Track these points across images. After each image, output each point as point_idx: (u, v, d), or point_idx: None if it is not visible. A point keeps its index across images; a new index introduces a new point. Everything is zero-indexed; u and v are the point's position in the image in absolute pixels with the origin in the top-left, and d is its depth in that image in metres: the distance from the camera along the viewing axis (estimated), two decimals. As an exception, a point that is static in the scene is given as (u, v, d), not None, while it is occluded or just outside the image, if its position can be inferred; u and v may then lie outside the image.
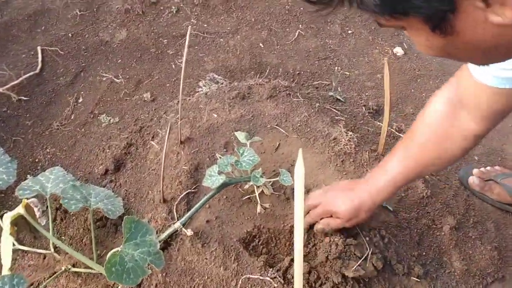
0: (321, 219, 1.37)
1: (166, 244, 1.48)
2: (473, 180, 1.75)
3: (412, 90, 2.14)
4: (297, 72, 2.19)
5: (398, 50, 2.30)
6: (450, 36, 0.66)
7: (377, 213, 1.48)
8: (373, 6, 0.63)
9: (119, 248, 1.36)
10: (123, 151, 1.87)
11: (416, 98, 2.11)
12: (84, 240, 1.66)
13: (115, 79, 2.20)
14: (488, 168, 1.81)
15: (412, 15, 0.65)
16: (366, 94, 2.11)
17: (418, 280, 1.41)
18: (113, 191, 1.74)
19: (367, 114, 1.93)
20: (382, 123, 1.86)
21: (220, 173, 1.45)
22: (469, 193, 1.74)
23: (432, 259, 1.48)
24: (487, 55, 0.73)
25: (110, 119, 2.05)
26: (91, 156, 1.91)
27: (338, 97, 1.98)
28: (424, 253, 1.48)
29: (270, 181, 1.51)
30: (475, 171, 1.79)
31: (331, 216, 1.36)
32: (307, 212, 1.40)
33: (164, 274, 1.41)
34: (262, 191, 1.53)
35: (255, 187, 1.48)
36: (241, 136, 1.52)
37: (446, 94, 1.22)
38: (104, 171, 1.82)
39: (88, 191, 1.61)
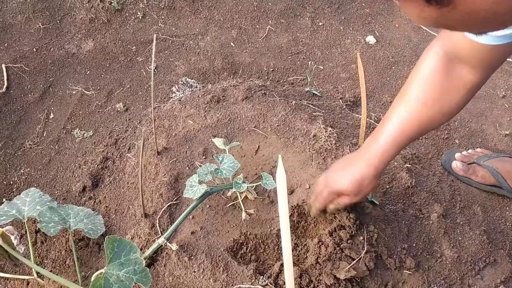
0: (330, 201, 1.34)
1: (152, 260, 1.44)
2: (456, 164, 1.74)
3: (388, 78, 2.12)
4: (271, 69, 2.16)
5: (370, 39, 2.28)
6: (445, 7, 0.63)
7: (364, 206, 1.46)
8: None
9: (103, 270, 1.32)
10: (100, 166, 1.82)
11: (392, 86, 2.09)
12: (67, 262, 1.61)
13: (85, 91, 2.13)
14: (470, 151, 1.81)
15: None
16: (342, 86, 2.08)
17: (411, 272, 1.39)
18: (93, 209, 1.69)
19: (344, 106, 1.91)
20: (360, 115, 1.84)
21: (200, 182, 1.41)
22: (454, 178, 1.74)
23: (422, 249, 1.46)
24: (484, 24, 0.70)
25: (84, 133, 2.00)
26: (67, 173, 1.86)
27: (314, 92, 1.96)
28: (414, 244, 1.46)
29: (252, 186, 1.48)
30: (457, 155, 1.78)
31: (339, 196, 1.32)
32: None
33: (152, 292, 1.37)
34: (246, 196, 1.49)
35: (238, 193, 1.44)
36: (219, 142, 1.48)
37: (438, 50, 1.18)
38: (81, 188, 1.77)
39: (66, 211, 1.56)
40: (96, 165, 1.82)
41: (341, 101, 1.93)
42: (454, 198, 1.65)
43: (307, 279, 1.31)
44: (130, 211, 1.60)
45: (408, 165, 1.62)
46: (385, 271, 1.38)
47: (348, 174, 1.28)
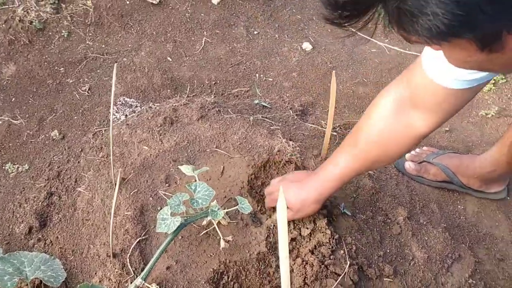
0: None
1: (127, 302, 1.35)
2: (409, 165, 1.81)
3: (329, 84, 2.15)
4: (213, 82, 2.11)
5: (307, 46, 2.30)
6: (495, 53, 0.64)
7: (338, 220, 1.47)
8: (434, 32, 0.59)
9: (78, 323, 1.21)
10: (45, 203, 1.66)
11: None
12: (23, 314, 1.45)
13: (13, 121, 1.94)
14: (418, 150, 1.88)
15: (466, 37, 0.61)
16: (287, 95, 2.08)
17: (391, 279, 1.42)
18: (45, 251, 1.55)
19: (295, 117, 1.91)
20: (312, 124, 1.85)
21: (173, 214, 1.33)
22: (408, 178, 1.80)
23: (396, 254, 1.50)
24: None
25: (18, 167, 1.82)
26: (6, 214, 1.67)
27: (264, 104, 1.94)
28: (388, 251, 1.49)
29: (229, 211, 1.43)
30: (407, 156, 1.85)
31: None
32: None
33: (134, 337, 1.28)
34: (219, 222, 1.44)
35: (213, 220, 1.38)
36: (187, 169, 1.41)
37: (394, 92, 1.22)
38: (27, 229, 1.61)
39: (19, 259, 1.42)
40: (40, 202, 1.66)
41: (291, 111, 1.93)
42: (413, 199, 1.71)
43: (297, 302, 1.29)
44: (91, 251, 1.48)
45: (369, 172, 1.65)
46: (367, 282, 1.39)
47: (295, 190, 1.36)
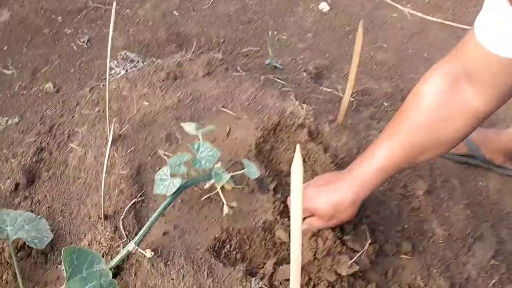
0: (304, 218, 1.19)
1: (118, 269, 1.22)
2: (430, 137, 1.67)
3: (347, 48, 2.00)
4: (222, 40, 1.95)
5: (324, 6, 2.13)
6: None
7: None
8: None
9: (62, 288, 1.09)
10: (34, 159, 1.53)
11: (352, 56, 1.96)
12: (4, 277, 1.33)
13: (4, 71, 1.81)
14: (440, 122, 1.74)
15: None
16: (301, 57, 1.93)
17: (409, 257, 1.29)
18: (31, 210, 1.42)
19: (310, 80, 1.76)
20: (327, 88, 1.71)
21: (173, 175, 1.20)
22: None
23: (414, 230, 1.37)
24: None
25: (7, 120, 1.68)
26: (-9, 169, 1.55)
27: (276, 65, 1.78)
28: (406, 226, 1.37)
29: (235, 175, 1.29)
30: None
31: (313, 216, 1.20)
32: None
33: (124, 307, 1.16)
34: (223, 187, 1.30)
35: (216, 184, 1.25)
36: (190, 127, 1.27)
37: (446, 67, 1.03)
38: (13, 186, 1.47)
39: (1, 217, 1.29)
40: (28, 158, 1.53)
41: (305, 74, 1.78)
42: (433, 172, 1.57)
43: (306, 277, 1.17)
44: (81, 211, 1.36)
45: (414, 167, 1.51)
46: (384, 259, 1.27)
47: (325, 194, 1.15)
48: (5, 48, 1.84)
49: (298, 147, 0.83)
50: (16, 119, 1.69)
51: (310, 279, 1.17)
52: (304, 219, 1.22)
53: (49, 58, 1.86)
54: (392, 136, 1.09)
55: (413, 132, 1.06)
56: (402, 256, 1.30)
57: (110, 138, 1.07)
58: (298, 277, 0.98)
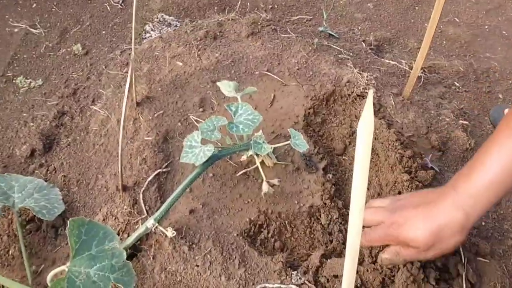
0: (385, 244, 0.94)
1: (135, 250, 1.03)
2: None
3: (412, 21, 1.75)
4: (270, 6, 1.74)
5: (387, -26, 1.89)
6: None
7: (420, 176, 1.09)
8: None
9: (65, 267, 0.90)
10: (54, 123, 1.37)
11: (418, 30, 1.73)
12: (11, 252, 1.16)
13: (31, 30, 1.65)
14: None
15: None
16: (359, 28, 1.69)
17: (487, 260, 1.04)
18: (45, 179, 1.25)
19: (369, 50, 1.52)
20: (389, 60, 1.47)
21: (204, 142, 1.00)
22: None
23: (492, 229, 1.12)
24: None
25: (31, 82, 1.53)
26: (8, 133, 1.39)
27: (331, 33, 1.55)
28: (483, 223, 1.12)
29: (277, 147, 1.08)
30: (507, 111, 1.44)
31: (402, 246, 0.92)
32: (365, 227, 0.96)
33: (138, 296, 0.97)
34: (263, 162, 1.09)
35: (255, 157, 1.04)
36: (227, 86, 1.07)
37: None
38: (29, 152, 1.31)
39: (9, 183, 1.13)
40: (48, 122, 1.37)
41: (364, 44, 1.54)
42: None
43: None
44: (99, 182, 1.17)
45: (462, 122, 1.26)
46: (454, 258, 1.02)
47: (423, 218, 0.87)
48: (33, 6, 1.70)
49: (371, 92, 0.60)
50: (40, 81, 1.53)
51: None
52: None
53: (80, 18, 1.70)
54: (506, 139, 0.83)
55: None
56: (479, 259, 1.05)
57: (125, 97, 0.87)
58: (353, 275, 0.75)
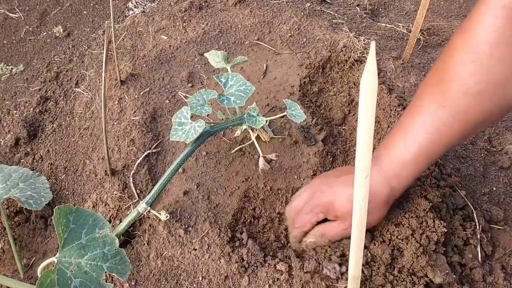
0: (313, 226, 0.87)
1: (128, 237, 0.97)
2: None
3: (408, -17, 1.67)
4: (257, -25, 1.65)
5: None
6: None
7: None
8: None
9: (54, 258, 0.84)
10: (37, 110, 1.30)
11: (414, -8, 1.64)
12: (0, 245, 1.11)
13: (10, 14, 1.58)
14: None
15: None
16: (353, -8, 1.61)
17: (500, 227, 0.99)
18: (32, 168, 1.19)
19: (364, 15, 1.45)
20: (385, 24, 1.39)
21: (194, 118, 0.93)
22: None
23: (505, 194, 1.06)
24: None
25: (12, 68, 1.46)
26: (-9, 122, 1.32)
27: (323, -2, 1.48)
28: (494, 188, 1.06)
29: (267, 120, 1.01)
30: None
31: (325, 220, 0.85)
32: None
33: (133, 284, 0.91)
34: (259, 137, 1.03)
35: (250, 132, 0.98)
36: (215, 57, 0.99)
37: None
38: (14, 141, 1.25)
39: (-7, 173, 1.07)
40: (32, 109, 1.30)
41: (358, 8, 1.46)
42: (523, 124, 1.25)
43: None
44: (87, 167, 1.11)
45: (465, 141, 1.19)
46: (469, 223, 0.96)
47: (346, 189, 0.79)
48: (10, -12, 1.61)
49: (373, 43, 0.54)
50: (21, 67, 1.46)
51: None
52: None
53: (59, 0, 1.62)
54: (436, 98, 0.73)
55: (470, 95, 0.70)
56: (491, 225, 0.99)
57: (103, 75, 0.80)
58: (360, 247, 0.70)
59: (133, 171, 1.01)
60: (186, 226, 0.94)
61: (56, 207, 0.86)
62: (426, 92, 0.76)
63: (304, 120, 0.96)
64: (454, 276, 0.86)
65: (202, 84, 1.12)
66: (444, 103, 0.72)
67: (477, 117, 0.71)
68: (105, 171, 1.05)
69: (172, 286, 0.90)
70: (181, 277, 0.91)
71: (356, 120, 1.09)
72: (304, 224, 0.87)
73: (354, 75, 1.12)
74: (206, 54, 1.00)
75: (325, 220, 0.85)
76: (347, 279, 0.75)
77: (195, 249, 0.91)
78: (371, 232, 0.87)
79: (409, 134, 0.76)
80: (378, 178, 0.78)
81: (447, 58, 0.72)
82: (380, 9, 1.56)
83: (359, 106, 0.55)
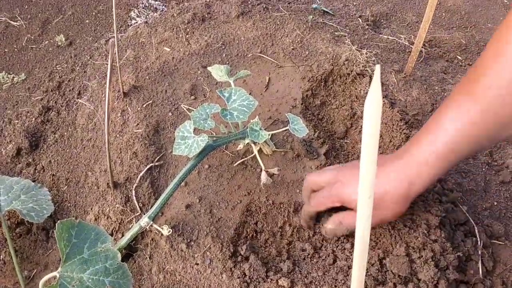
0: (330, 212, 0.89)
1: (130, 251, 0.97)
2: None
3: (409, -6, 1.68)
4: (259, -15, 1.66)
5: None
6: None
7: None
8: None
9: (56, 273, 0.84)
10: (39, 120, 1.30)
11: (415, 3, 1.65)
12: (1, 257, 1.11)
13: (11, 22, 1.57)
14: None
15: None
16: (354, 3, 1.62)
17: (502, 242, 0.99)
18: (33, 180, 1.19)
19: (366, 26, 1.45)
20: (387, 36, 1.40)
21: (198, 132, 0.93)
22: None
23: (506, 209, 1.06)
24: None
25: (13, 77, 1.46)
26: (-8, 132, 1.32)
27: (325, 9, 1.48)
28: (495, 203, 1.06)
29: (270, 134, 1.02)
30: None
31: (344, 209, 0.86)
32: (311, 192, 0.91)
33: (135, 299, 0.91)
34: (261, 150, 1.03)
35: (252, 146, 0.98)
36: (218, 71, 1.00)
37: None
38: (15, 151, 1.25)
39: (-6, 185, 1.07)
40: (33, 119, 1.30)
41: (360, 20, 1.47)
42: (525, 138, 1.25)
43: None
44: (89, 179, 1.11)
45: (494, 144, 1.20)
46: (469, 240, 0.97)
47: None
48: (12, -4, 1.61)
49: (378, 67, 0.54)
50: (23, 76, 1.46)
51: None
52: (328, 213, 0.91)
53: (61, 8, 1.62)
54: (466, 102, 0.72)
55: (499, 91, 0.69)
56: (493, 241, 0.99)
57: (107, 88, 0.80)
58: (363, 266, 0.70)
59: (135, 184, 1.01)
60: (188, 240, 0.94)
61: (58, 222, 0.86)
62: (458, 89, 0.76)
63: (306, 134, 0.96)
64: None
65: (205, 97, 1.12)
66: (468, 107, 0.72)
67: (506, 116, 0.70)
68: (107, 183, 1.05)
69: (174, 301, 0.90)
70: (184, 292, 0.91)
71: (359, 133, 1.09)
72: (319, 206, 0.88)
73: (356, 89, 1.12)
74: (209, 68, 1.00)
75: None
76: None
77: (197, 264, 0.92)
78: None
79: (437, 131, 0.75)
80: (398, 175, 0.78)
81: (478, 67, 0.73)
82: (382, 20, 1.56)
83: (362, 132, 0.55)
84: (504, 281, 0.95)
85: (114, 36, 1.49)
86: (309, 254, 0.93)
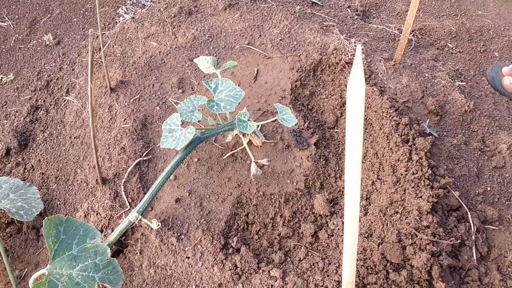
0: None
1: (120, 246, 0.96)
2: (509, 80, 1.33)
3: (398, -17, 1.66)
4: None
5: None
6: None
7: (418, 143, 1.02)
8: None
9: (45, 270, 0.83)
10: (28, 119, 1.29)
11: (405, -8, 1.64)
12: (-8, 257, 1.09)
13: (-2, 23, 1.56)
14: (519, 63, 1.39)
15: None
16: (343, -6, 1.60)
17: (495, 227, 0.98)
18: (23, 178, 1.18)
19: (355, 16, 1.44)
20: (377, 25, 1.39)
21: (185, 124, 0.92)
22: (508, 98, 1.33)
23: (499, 194, 1.05)
24: None
25: (2, 77, 1.45)
26: (-19, 133, 1.31)
27: (314, 0, 1.47)
28: (488, 188, 1.05)
29: (259, 125, 1.01)
30: (505, 70, 1.37)
31: None
32: None
33: (126, 294, 0.90)
34: (250, 142, 1.02)
35: (241, 137, 0.97)
36: (205, 62, 0.99)
37: None
38: (4, 151, 1.24)
39: (-17, 185, 1.06)
40: (22, 118, 1.29)
41: (349, 10, 1.46)
42: (517, 123, 1.24)
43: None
44: (78, 176, 1.10)
45: (459, 83, 1.19)
46: (463, 225, 0.95)
47: None
48: (-1, -3, 1.60)
49: (359, 47, 0.53)
50: (12, 76, 1.45)
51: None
52: None
53: (49, 7, 1.60)
54: None
55: None
56: (487, 226, 0.98)
57: (89, 83, 0.79)
58: (354, 252, 0.69)
59: (124, 179, 1.00)
60: (179, 234, 0.93)
61: (45, 218, 0.85)
62: None
63: (296, 124, 0.95)
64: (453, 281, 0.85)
65: (193, 90, 1.11)
66: None
67: None
68: (96, 179, 1.03)
69: (165, 295, 0.89)
70: (174, 286, 0.90)
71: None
72: None
73: (345, 78, 1.11)
74: (195, 60, 0.99)
75: None
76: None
77: (188, 257, 0.90)
78: None
79: None
80: None
81: None
82: (372, 10, 1.55)
83: (346, 111, 0.54)
84: (499, 266, 0.94)
85: (103, 33, 1.48)
86: (300, 245, 0.92)
